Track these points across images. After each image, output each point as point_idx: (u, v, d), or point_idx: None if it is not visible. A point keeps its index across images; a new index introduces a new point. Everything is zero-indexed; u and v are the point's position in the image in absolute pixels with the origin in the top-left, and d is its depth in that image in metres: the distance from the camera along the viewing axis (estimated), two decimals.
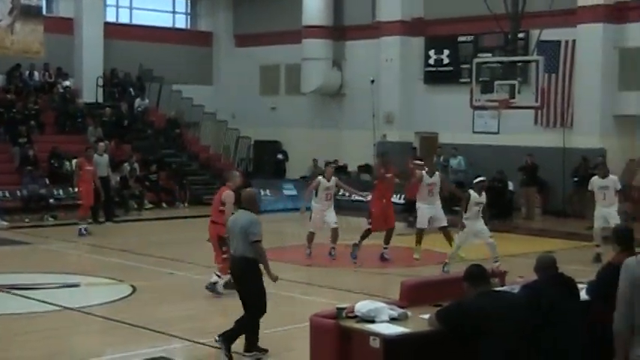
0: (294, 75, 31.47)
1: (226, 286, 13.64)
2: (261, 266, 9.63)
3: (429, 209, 16.63)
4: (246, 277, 9.29)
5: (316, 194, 16.88)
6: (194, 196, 26.75)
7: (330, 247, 16.65)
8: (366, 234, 16.74)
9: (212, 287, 13.28)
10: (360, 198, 17.92)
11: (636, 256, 5.99)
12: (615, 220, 16.19)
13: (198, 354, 10.17)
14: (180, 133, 29.87)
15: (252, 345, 9.73)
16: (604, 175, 17.09)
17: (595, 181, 17.14)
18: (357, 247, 16.55)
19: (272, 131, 31.66)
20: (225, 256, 12.88)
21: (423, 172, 16.89)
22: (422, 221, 16.69)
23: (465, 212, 14.95)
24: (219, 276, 13.24)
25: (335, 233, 16.61)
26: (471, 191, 14.98)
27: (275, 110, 32.63)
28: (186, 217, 23.75)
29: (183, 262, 16.03)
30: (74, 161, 21.34)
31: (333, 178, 16.75)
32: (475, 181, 15.23)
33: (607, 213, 16.68)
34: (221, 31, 34.29)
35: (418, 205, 16.91)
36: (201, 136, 31.46)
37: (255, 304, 9.50)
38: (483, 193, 15.04)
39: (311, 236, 16.79)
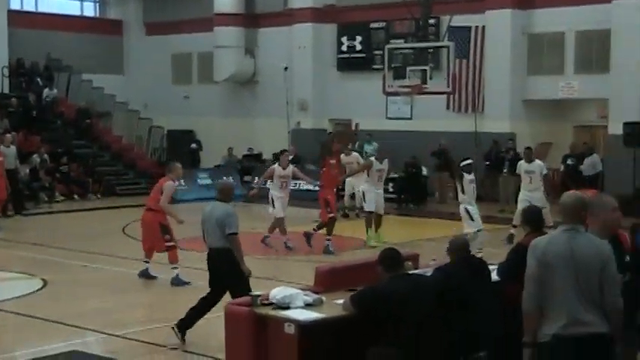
0: (206, 63, 31.21)
1: (142, 275, 13.53)
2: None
3: (377, 195, 16.83)
4: (223, 269, 9.06)
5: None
6: (106, 187, 26.34)
7: (264, 236, 16.42)
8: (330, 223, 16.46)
9: (177, 280, 13.19)
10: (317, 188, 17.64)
11: (545, 235, 6.11)
12: (538, 204, 16.51)
13: (113, 347, 10.00)
14: (91, 123, 29.34)
15: (186, 327, 9.65)
16: (530, 160, 17.49)
17: (522, 165, 17.57)
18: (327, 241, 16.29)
19: (185, 120, 31.36)
20: (170, 244, 13.16)
21: (373, 158, 17.30)
22: (371, 205, 16.88)
23: (463, 194, 15.04)
24: (176, 267, 13.28)
25: (278, 223, 16.32)
26: (465, 173, 15.11)
27: (188, 99, 32.33)
28: (98, 209, 23.35)
29: (97, 255, 15.75)
30: None
31: (290, 166, 16.52)
32: (464, 163, 15.31)
33: (530, 197, 17.00)
34: (131, 20, 33.77)
35: (367, 189, 17.01)
36: (112, 127, 30.96)
37: (240, 290, 9.27)
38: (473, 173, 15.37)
39: (279, 222, 16.43)
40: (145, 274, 13.68)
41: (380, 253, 7.16)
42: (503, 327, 7.11)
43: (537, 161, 17.58)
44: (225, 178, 26.85)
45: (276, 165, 16.64)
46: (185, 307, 10.36)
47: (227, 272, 9.29)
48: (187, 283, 13.07)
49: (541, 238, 5.97)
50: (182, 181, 26.10)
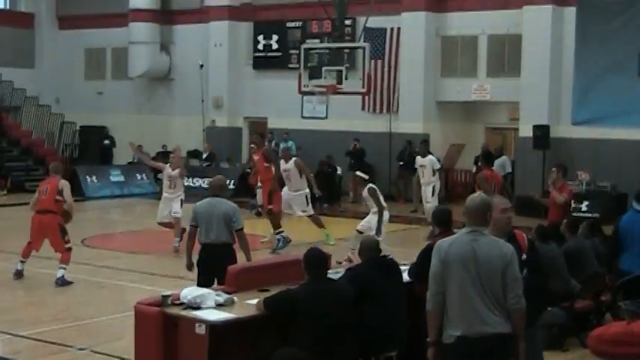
0: (121, 59, 30.77)
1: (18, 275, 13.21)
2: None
3: (286, 194, 16.69)
4: (226, 263, 8.84)
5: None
6: (15, 183, 25.76)
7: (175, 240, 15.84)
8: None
9: (62, 281, 12.87)
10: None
11: (450, 236, 6.20)
12: (428, 197, 17.59)
13: (17, 347, 9.78)
14: (0, 117, 28.62)
15: None
16: (423, 155, 18.35)
17: (417, 160, 18.55)
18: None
19: (98, 116, 30.86)
20: (69, 245, 12.89)
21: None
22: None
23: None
24: (64, 268, 12.93)
25: (176, 224, 15.83)
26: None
27: (101, 95, 31.79)
28: (5, 206, 22.80)
29: (2, 252, 15.38)
30: None
31: (178, 169, 16.04)
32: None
33: (423, 190, 17.71)
34: (43, 13, 33.00)
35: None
36: (22, 121, 30.28)
37: None
38: None
39: (164, 225, 16.16)
40: (20, 274, 13.28)
41: (305, 253, 7.19)
42: (414, 327, 7.20)
43: (430, 156, 18.19)
44: (138, 175, 26.73)
45: (167, 165, 16.33)
46: (93, 305, 10.20)
47: (226, 266, 8.98)
48: (71, 283, 12.87)
49: (445, 239, 6.07)
50: (94, 177, 25.86)
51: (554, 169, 13.36)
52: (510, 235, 6.50)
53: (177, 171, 16.06)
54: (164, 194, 16.14)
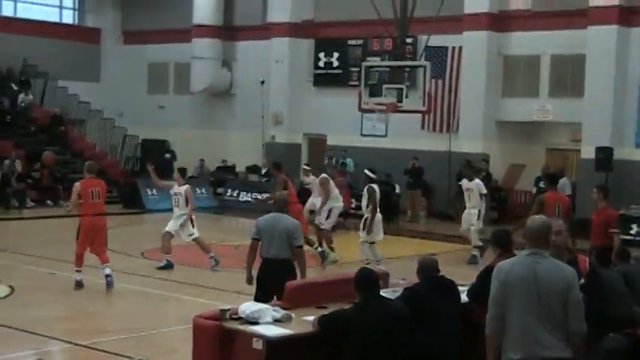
0: (183, 74, 31.17)
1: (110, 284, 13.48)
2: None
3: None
4: (285, 278, 8.93)
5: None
6: None
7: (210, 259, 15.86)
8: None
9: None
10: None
11: (510, 258, 6.14)
12: (473, 221, 17.43)
13: (77, 356, 9.94)
14: (65, 130, 29.19)
15: None
16: (470, 178, 17.98)
17: (463, 183, 18.08)
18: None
19: (160, 130, 31.23)
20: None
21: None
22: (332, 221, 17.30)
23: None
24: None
25: (198, 244, 15.90)
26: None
27: (163, 109, 32.23)
28: (69, 216, 23.10)
29: (65, 262, 15.59)
30: None
31: (185, 185, 16.05)
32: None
33: (468, 214, 17.63)
34: (109, 28, 33.67)
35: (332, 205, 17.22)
36: (86, 134, 30.83)
37: None
38: None
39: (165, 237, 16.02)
40: (80, 285, 13.48)
41: (356, 274, 7.16)
42: (470, 349, 7.14)
43: (477, 180, 18.03)
44: (198, 189, 26.93)
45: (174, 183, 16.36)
46: (151, 317, 10.30)
47: (285, 282, 8.79)
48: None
49: (505, 261, 6.00)
50: (154, 190, 26.13)
51: (594, 189, 12.88)
52: (573, 258, 6.42)
53: (182, 188, 15.97)
54: (173, 211, 16.23)
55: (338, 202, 17.49)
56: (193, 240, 15.83)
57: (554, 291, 5.71)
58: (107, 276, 13.30)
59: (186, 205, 15.75)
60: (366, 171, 16.16)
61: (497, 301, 5.80)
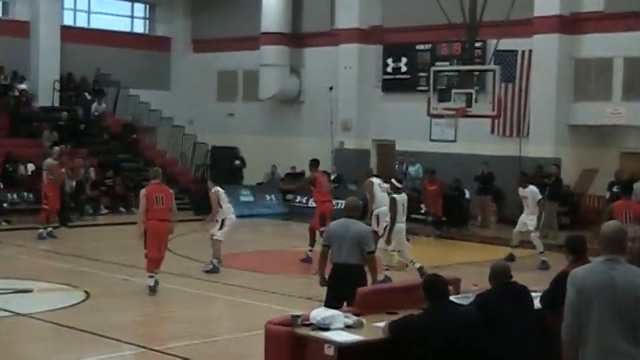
0: (251, 81, 31.42)
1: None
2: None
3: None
4: (357, 284, 9.02)
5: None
6: None
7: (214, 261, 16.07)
8: None
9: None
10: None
11: (584, 265, 6.03)
12: (530, 226, 17.56)
13: None
14: (137, 138, 29.66)
15: None
16: (524, 186, 17.98)
17: (519, 191, 18.15)
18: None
19: (229, 137, 31.55)
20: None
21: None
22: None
23: None
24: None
25: (213, 245, 16.08)
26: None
27: (232, 116, 32.53)
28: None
29: (139, 268, 15.83)
30: (46, 163, 21.09)
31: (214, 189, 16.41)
32: None
33: (525, 218, 17.82)
34: (179, 37, 34.15)
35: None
36: (157, 142, 31.29)
37: None
38: None
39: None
40: (153, 290, 13.74)
41: (424, 279, 7.13)
42: (544, 356, 7.04)
43: (531, 187, 17.93)
44: (268, 196, 27.13)
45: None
46: (226, 323, 10.40)
47: (356, 288, 8.76)
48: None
49: (580, 268, 5.89)
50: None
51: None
52: None
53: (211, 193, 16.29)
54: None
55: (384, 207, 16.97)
56: (212, 241, 16.00)
57: (631, 298, 5.60)
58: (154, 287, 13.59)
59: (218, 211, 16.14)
60: (393, 180, 16.14)
61: (573, 308, 5.71)
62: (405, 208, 15.78)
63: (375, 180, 17.05)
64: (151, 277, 13.73)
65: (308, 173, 18.37)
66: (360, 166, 27.83)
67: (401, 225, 15.38)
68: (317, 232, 16.68)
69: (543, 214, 18.15)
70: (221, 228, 16.05)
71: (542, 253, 17.50)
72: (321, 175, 17.70)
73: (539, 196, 17.96)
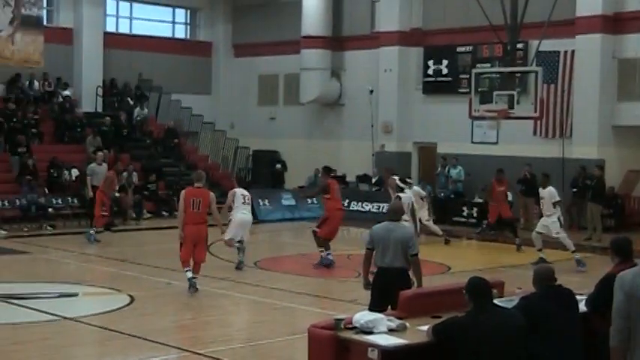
0: (292, 85, 31.50)
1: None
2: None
3: None
4: (401, 287, 8.99)
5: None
6: None
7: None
8: None
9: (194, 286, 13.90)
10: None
11: (632, 268, 5.96)
12: (552, 229, 17.57)
13: None
14: (179, 142, 29.88)
15: None
16: (544, 187, 18.03)
17: (539, 192, 18.26)
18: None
19: (270, 141, 31.67)
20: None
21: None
22: None
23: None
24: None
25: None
26: None
27: (274, 120, 32.65)
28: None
29: (181, 272, 15.94)
30: (110, 172, 21.50)
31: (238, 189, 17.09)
32: None
33: (544, 221, 17.81)
34: (220, 41, 34.33)
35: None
36: (199, 146, 31.50)
37: None
38: None
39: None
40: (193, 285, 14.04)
41: (467, 282, 7.08)
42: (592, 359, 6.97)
43: (550, 188, 17.92)
44: (309, 200, 27.16)
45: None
46: (266, 327, 10.39)
47: (400, 292, 8.74)
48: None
49: (628, 271, 5.82)
50: (266, 201, 26.49)
51: None
52: None
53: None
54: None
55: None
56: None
57: None
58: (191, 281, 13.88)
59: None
60: (397, 180, 16.94)
61: (622, 313, 5.64)
62: (409, 207, 16.07)
63: (395, 178, 17.31)
64: (188, 270, 14.00)
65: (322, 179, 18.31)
66: (402, 169, 27.89)
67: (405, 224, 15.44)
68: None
69: (560, 214, 18.07)
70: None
71: (574, 252, 17.37)
72: (333, 182, 17.65)
73: (557, 198, 17.89)
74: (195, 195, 13.91)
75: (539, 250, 17.84)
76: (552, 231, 17.56)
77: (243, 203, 16.64)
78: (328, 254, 16.81)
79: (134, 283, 15.11)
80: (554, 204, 17.71)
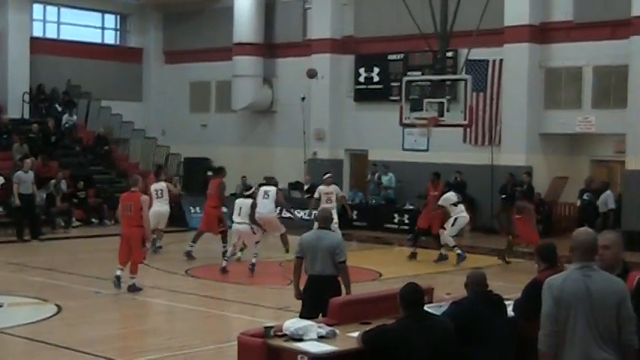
0: (224, 92, 31.37)
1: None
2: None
3: None
4: (331, 295, 8.92)
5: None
6: None
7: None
8: None
9: (134, 287, 14.37)
10: None
11: (560, 273, 6.06)
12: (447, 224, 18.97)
13: None
14: (109, 149, 29.51)
15: None
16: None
17: None
18: None
19: (202, 148, 31.47)
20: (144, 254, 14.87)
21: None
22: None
23: None
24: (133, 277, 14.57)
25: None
26: None
27: (205, 127, 32.47)
28: (114, 235, 23.33)
29: (111, 281, 15.77)
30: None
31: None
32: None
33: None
34: (151, 48, 34.03)
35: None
36: (130, 153, 31.14)
37: None
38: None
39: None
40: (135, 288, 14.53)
41: (400, 289, 7.11)
42: None
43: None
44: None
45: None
46: (200, 334, 10.28)
47: (330, 299, 8.83)
48: (141, 290, 14.51)
49: (556, 276, 5.91)
50: (198, 208, 26.26)
51: None
52: (624, 271, 6.34)
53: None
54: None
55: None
56: None
57: (607, 305, 5.64)
58: (130, 286, 14.41)
59: None
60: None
61: (551, 317, 5.72)
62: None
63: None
64: (120, 269, 14.62)
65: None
66: (335, 176, 27.99)
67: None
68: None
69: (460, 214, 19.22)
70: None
71: (454, 247, 18.84)
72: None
73: (453, 200, 19.18)
74: (129, 199, 14.43)
75: (453, 247, 18.93)
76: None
77: (156, 198, 18.27)
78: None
79: (62, 292, 14.84)
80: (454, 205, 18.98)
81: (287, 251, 17.67)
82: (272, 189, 18.15)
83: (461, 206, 19.06)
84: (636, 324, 5.75)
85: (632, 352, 5.68)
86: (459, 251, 18.67)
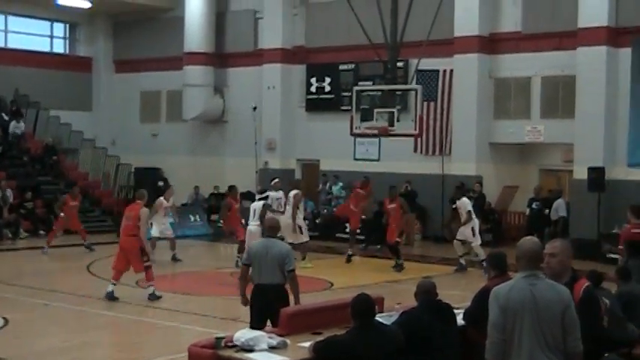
0: (175, 101, 31.22)
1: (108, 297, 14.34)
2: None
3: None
4: (278, 305, 8.87)
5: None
6: None
7: None
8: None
9: (153, 296, 14.60)
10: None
11: (507, 282, 6.10)
12: (463, 236, 19.13)
13: None
14: (58, 159, 29.16)
15: None
16: (458, 198, 19.58)
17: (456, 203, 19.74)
18: None
19: (153, 158, 31.26)
20: (147, 264, 14.73)
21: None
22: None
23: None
24: (152, 287, 14.74)
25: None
26: None
27: (156, 137, 32.26)
28: (63, 246, 23.08)
29: (60, 293, 15.58)
30: None
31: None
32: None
33: (462, 229, 19.19)
34: (100, 57, 33.75)
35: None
36: (79, 163, 30.79)
37: None
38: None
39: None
40: (111, 296, 14.64)
41: (352, 300, 7.09)
42: None
43: (463, 199, 19.49)
44: (192, 217, 26.90)
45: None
46: (147, 346, 10.18)
47: (279, 308, 8.81)
48: (160, 297, 14.70)
49: (502, 285, 5.95)
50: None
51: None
52: (572, 279, 6.41)
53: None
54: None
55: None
56: None
57: (552, 312, 5.70)
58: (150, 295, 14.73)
59: None
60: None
61: (497, 326, 5.76)
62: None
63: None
64: (113, 283, 14.88)
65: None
66: (286, 186, 27.98)
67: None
68: None
69: (475, 224, 19.26)
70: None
71: (482, 261, 18.02)
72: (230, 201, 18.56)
73: (469, 208, 19.14)
74: (131, 210, 15.04)
75: (460, 256, 19.12)
76: (467, 238, 18.96)
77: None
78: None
79: (9, 304, 14.58)
80: (468, 213, 18.86)
81: (303, 259, 18.67)
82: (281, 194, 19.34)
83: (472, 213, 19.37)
84: (580, 331, 5.82)
85: (576, 357, 5.75)
86: (462, 261, 19.16)
